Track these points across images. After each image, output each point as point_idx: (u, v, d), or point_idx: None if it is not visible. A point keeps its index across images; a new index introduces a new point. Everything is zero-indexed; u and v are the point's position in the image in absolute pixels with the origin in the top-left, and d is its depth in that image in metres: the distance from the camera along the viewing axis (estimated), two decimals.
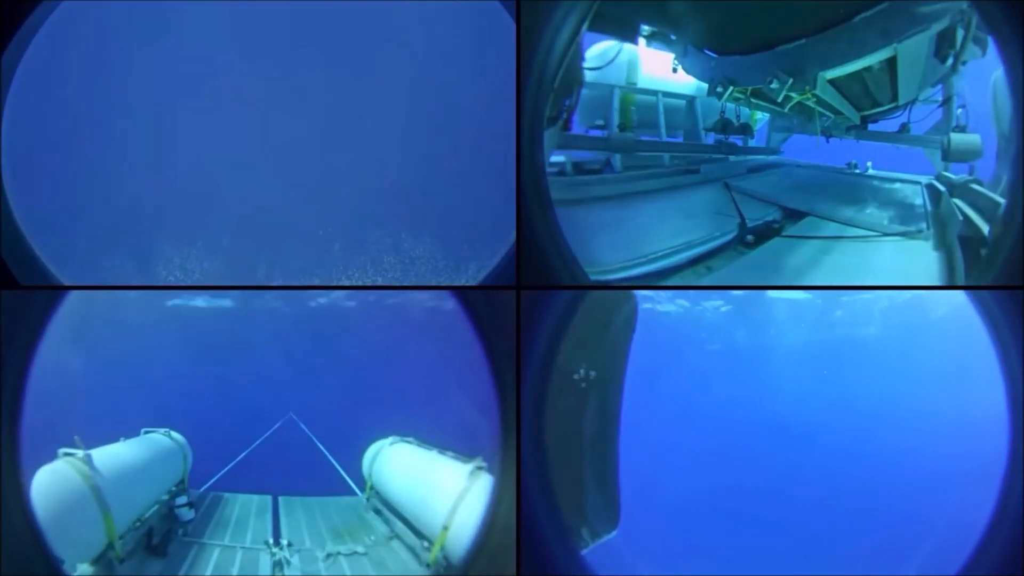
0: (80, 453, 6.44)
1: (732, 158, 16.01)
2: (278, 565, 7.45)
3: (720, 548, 15.59)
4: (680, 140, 15.51)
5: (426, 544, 7.36)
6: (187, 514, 8.49)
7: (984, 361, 5.46)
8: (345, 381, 22.18)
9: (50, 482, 5.97)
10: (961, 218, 8.42)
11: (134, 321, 18.45)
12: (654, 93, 14.08)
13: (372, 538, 8.71)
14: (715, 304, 19.93)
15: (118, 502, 6.50)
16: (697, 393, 20.72)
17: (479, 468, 6.96)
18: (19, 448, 5.14)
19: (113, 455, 7.47)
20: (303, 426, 20.63)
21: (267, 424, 20.84)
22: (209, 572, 7.12)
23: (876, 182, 15.43)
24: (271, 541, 8.31)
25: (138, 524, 7.28)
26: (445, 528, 6.69)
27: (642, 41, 13.31)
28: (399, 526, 8.68)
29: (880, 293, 17.74)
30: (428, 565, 7.08)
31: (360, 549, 8.20)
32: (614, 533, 6.47)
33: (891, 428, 18.94)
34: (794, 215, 11.06)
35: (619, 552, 6.54)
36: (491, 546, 5.43)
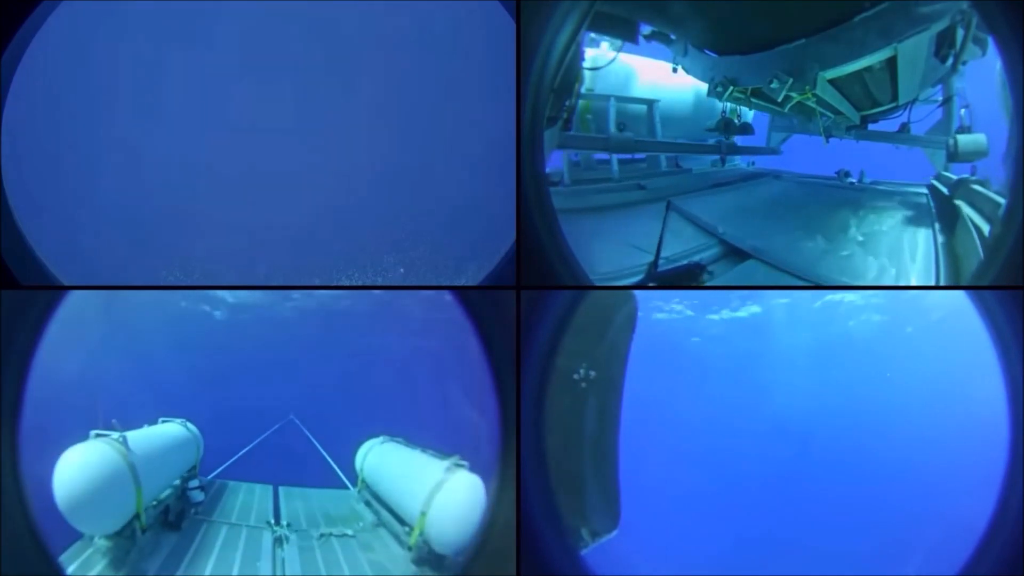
0: (116, 435, 7.10)
1: (696, 170, 14.81)
2: (278, 541, 8.33)
3: (720, 548, 15.59)
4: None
5: (407, 529, 8.14)
6: (198, 496, 9.25)
7: (984, 361, 5.46)
8: (345, 380, 22.22)
9: (90, 458, 6.58)
10: (983, 256, 6.78)
11: (135, 321, 18.48)
12: (607, 98, 13.06)
13: (361, 524, 9.65)
14: (714, 305, 19.92)
15: (147, 479, 7.22)
16: (697, 393, 20.72)
17: (456, 464, 7.84)
18: (19, 448, 5.15)
19: (142, 438, 8.18)
20: (303, 427, 20.75)
21: (268, 425, 20.92)
22: (218, 545, 7.90)
23: (868, 198, 12.80)
24: (272, 521, 9.26)
25: (155, 503, 7.96)
26: (423, 514, 7.54)
27: (605, 43, 12.61)
28: (385, 515, 9.49)
29: (881, 293, 17.65)
30: (410, 548, 7.91)
31: (350, 532, 9.12)
32: (614, 533, 6.48)
33: (891, 428, 18.93)
34: (737, 255, 8.91)
35: (619, 552, 6.55)
36: (491, 546, 5.43)
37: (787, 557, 15.34)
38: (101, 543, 6.68)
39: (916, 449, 17.50)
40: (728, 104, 12.67)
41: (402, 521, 8.65)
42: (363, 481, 11.44)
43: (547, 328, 5.40)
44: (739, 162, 17.20)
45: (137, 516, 6.98)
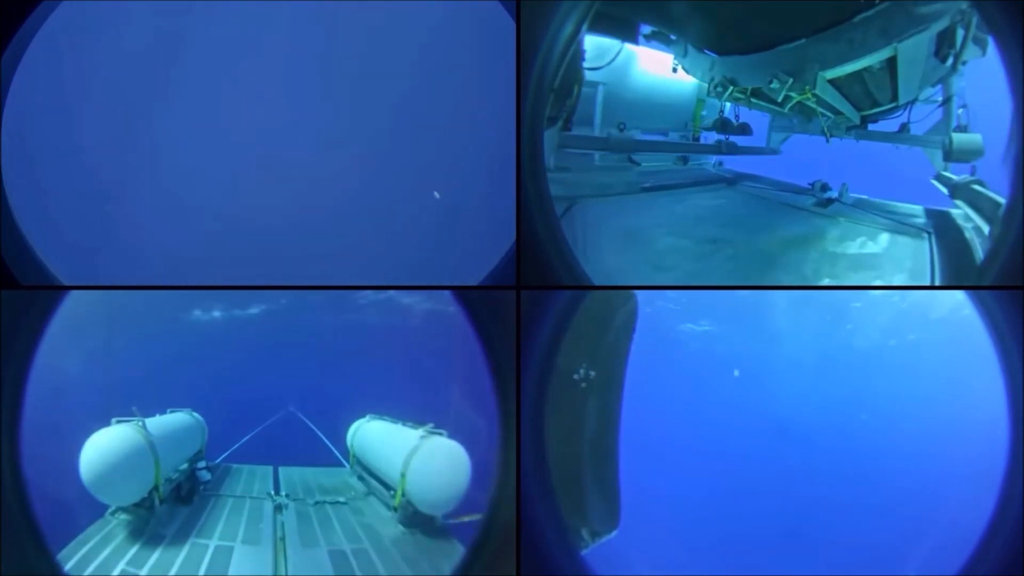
0: (136, 420, 8.23)
1: (644, 165, 12.92)
2: (278, 508, 9.36)
3: (720, 548, 15.60)
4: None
5: (392, 493, 8.99)
6: (206, 475, 10.43)
7: (984, 361, 5.46)
8: (345, 380, 22.21)
9: (116, 438, 7.64)
10: None
11: (135, 321, 18.48)
12: None
13: (353, 493, 10.67)
14: (716, 305, 19.93)
15: (163, 455, 8.34)
16: (697, 394, 20.73)
17: (429, 432, 8.77)
18: (19, 448, 5.15)
19: (158, 423, 9.31)
20: (304, 418, 20.93)
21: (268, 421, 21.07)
22: (225, 514, 8.89)
23: (837, 238, 8.96)
24: (272, 492, 10.35)
25: (169, 480, 8.98)
26: (403, 475, 8.42)
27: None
28: (374, 484, 10.43)
29: (880, 294, 17.63)
30: (395, 509, 8.74)
31: (342, 499, 10.07)
32: (614, 533, 6.48)
33: (891, 428, 18.94)
34: None
35: (619, 552, 6.56)
36: (491, 546, 5.43)
37: (787, 557, 15.34)
38: (123, 517, 7.60)
39: (916, 449, 17.50)
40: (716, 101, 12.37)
41: (387, 486, 9.46)
42: (354, 457, 12.40)
43: (547, 328, 5.40)
44: (708, 160, 15.70)
45: (156, 487, 8.05)
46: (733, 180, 14.00)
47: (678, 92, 14.19)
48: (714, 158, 15.73)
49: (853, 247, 8.65)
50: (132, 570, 6.44)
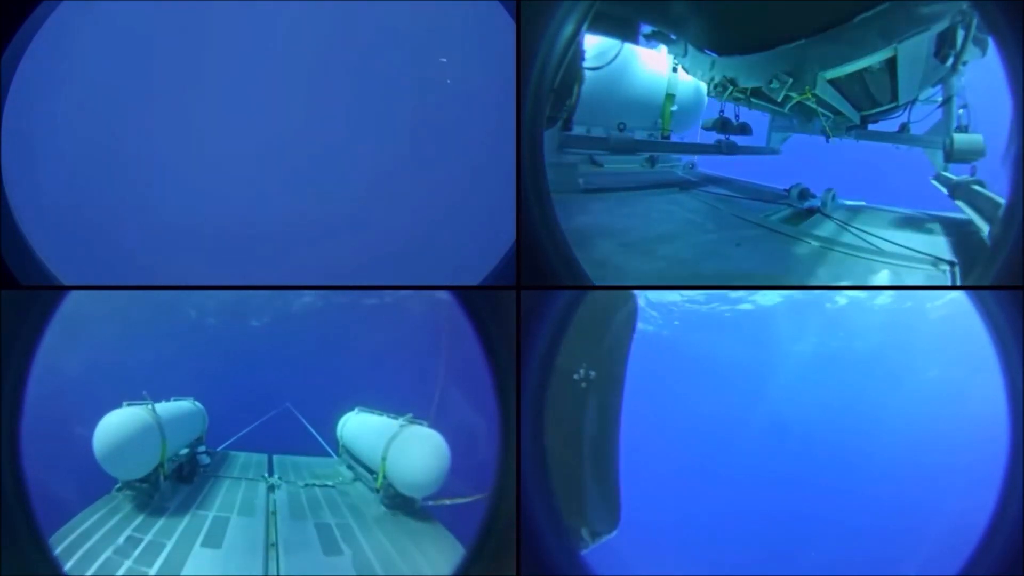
0: (147, 403, 8.99)
1: (607, 167, 11.98)
2: (271, 488, 10.18)
3: (720, 548, 15.60)
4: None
5: (374, 475, 9.69)
6: (205, 459, 11.24)
7: (984, 361, 5.46)
8: (344, 380, 22.21)
9: (128, 417, 8.37)
10: None
11: (133, 321, 18.49)
12: None
13: (341, 478, 11.46)
14: (715, 306, 19.91)
15: (169, 435, 9.08)
16: (697, 393, 20.72)
17: (409, 422, 9.51)
18: (19, 447, 5.15)
19: (165, 408, 10.07)
20: (300, 417, 21.01)
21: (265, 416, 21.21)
22: (222, 492, 9.66)
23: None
24: (266, 475, 11.22)
25: (171, 461, 9.64)
26: (383, 459, 9.16)
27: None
28: (360, 471, 11.27)
29: (880, 294, 17.62)
30: (377, 491, 9.44)
31: (330, 483, 10.87)
32: (614, 533, 6.49)
33: (891, 428, 18.94)
34: None
35: (619, 552, 6.55)
36: (491, 546, 5.43)
37: (787, 557, 15.35)
38: (128, 492, 8.22)
39: (916, 449, 17.50)
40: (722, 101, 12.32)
41: (370, 470, 10.25)
42: (343, 447, 13.31)
43: (547, 328, 5.41)
44: (679, 162, 14.70)
45: (161, 464, 8.74)
46: (691, 184, 12.52)
47: (646, 89, 13.59)
48: (686, 159, 14.75)
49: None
50: (138, 535, 7.01)
